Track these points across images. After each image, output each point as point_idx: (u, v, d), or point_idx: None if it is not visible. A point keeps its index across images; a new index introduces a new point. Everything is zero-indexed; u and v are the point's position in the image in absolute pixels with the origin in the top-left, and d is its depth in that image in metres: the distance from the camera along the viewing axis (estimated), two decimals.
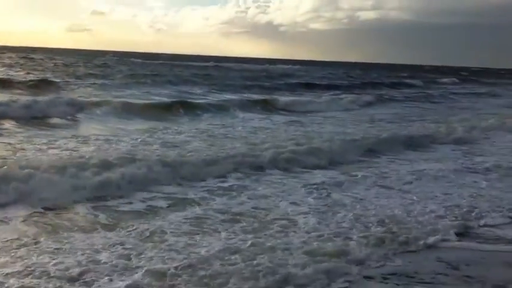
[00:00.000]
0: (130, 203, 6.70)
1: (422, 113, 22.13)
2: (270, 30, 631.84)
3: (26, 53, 67.35)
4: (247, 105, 19.77)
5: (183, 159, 8.70)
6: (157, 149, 9.87)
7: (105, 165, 7.74)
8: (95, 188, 6.92)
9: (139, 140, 10.94)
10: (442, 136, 13.62)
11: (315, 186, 7.97)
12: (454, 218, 6.52)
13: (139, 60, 66.23)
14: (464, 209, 6.95)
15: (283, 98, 23.36)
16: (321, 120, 17.26)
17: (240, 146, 10.55)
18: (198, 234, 5.60)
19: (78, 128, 12.84)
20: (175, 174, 7.96)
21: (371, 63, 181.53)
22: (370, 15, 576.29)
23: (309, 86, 33.89)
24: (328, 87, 34.41)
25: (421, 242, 5.61)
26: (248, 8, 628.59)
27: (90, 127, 12.99)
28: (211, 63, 68.22)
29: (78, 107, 15.13)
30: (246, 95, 24.33)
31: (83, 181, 6.97)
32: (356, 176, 8.81)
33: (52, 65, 42.94)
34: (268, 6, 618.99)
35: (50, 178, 6.77)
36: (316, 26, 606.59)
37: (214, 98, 22.31)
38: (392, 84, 41.96)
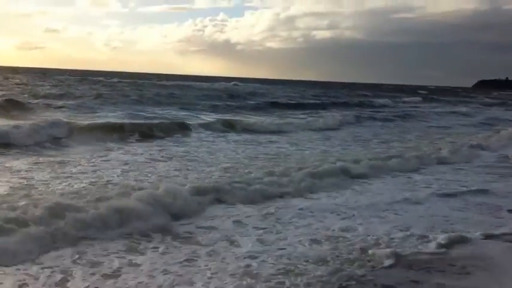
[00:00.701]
0: None
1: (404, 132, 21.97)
2: (227, 49, 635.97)
3: None
4: (215, 126, 19.15)
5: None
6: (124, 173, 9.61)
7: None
8: None
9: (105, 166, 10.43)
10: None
11: (266, 212, 7.67)
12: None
13: (101, 79, 64.69)
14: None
15: (256, 118, 23.17)
16: (297, 141, 16.81)
17: (218, 172, 10.14)
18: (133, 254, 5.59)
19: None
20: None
21: (328, 82, 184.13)
22: (326, 34, 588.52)
23: (278, 106, 33.60)
24: (296, 107, 34.25)
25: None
26: (205, 27, 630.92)
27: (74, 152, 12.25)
28: (174, 82, 67.04)
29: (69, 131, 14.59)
30: (219, 115, 23.96)
31: None
32: (310, 199, 8.71)
33: (11, 84, 41.18)
34: (225, 25, 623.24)
35: None
36: (272, 44, 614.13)
37: (184, 117, 21.72)
38: (361, 103, 42.09)
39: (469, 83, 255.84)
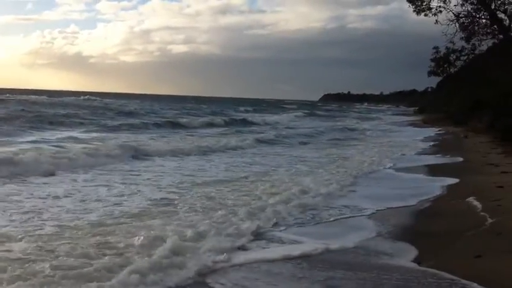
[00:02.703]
0: None
1: None
2: (78, 62, 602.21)
3: None
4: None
5: None
6: None
7: None
8: None
9: None
10: None
11: None
12: None
13: None
14: None
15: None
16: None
17: None
18: None
19: None
20: None
21: (192, 96, 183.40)
22: (182, 48, 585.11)
23: (178, 125, 32.17)
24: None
25: None
26: (54, 39, 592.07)
27: None
28: (29, 97, 60.55)
29: None
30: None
31: None
32: None
33: None
34: (76, 38, 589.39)
35: None
36: (127, 58, 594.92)
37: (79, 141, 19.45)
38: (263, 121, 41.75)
39: (316, 96, 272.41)
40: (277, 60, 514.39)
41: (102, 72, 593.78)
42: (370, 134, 32.73)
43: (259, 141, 23.16)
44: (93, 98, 66.92)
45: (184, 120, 35.56)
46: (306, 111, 69.71)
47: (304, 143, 24.71)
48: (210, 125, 34.74)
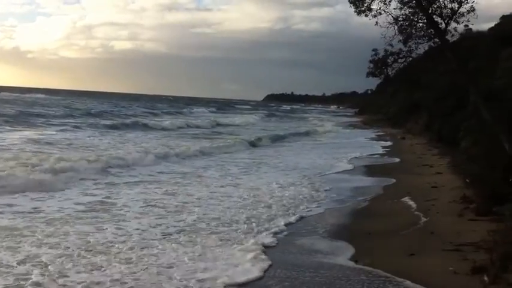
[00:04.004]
0: None
1: None
2: (16, 57, 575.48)
3: None
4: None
5: None
6: None
7: None
8: None
9: None
10: None
11: None
12: None
13: None
14: None
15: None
16: None
17: None
18: None
19: None
20: None
21: (135, 94, 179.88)
22: (126, 45, 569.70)
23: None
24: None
25: None
26: None
27: None
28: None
29: None
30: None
31: None
32: None
33: None
34: (14, 31, 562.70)
35: None
36: (68, 53, 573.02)
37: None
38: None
39: (260, 96, 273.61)
40: (223, 59, 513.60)
41: (41, 68, 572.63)
42: (326, 136, 32.94)
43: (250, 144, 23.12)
44: (41, 94, 63.70)
45: (149, 121, 34.31)
46: (265, 112, 69.28)
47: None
48: (188, 126, 33.89)
